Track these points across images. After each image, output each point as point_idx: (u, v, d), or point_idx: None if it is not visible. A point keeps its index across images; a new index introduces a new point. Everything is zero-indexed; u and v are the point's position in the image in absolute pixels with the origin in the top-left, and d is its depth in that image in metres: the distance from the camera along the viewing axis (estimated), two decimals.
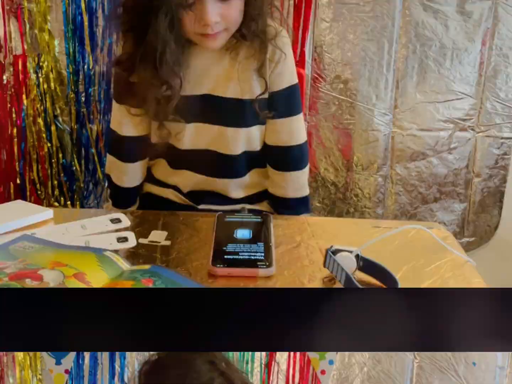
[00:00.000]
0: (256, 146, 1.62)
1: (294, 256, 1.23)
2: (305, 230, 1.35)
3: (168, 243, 1.26)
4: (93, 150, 2.34)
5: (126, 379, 1.95)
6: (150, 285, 1.03)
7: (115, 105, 1.62)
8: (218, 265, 1.14)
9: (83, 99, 2.29)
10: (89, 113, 2.31)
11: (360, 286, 1.06)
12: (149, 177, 1.71)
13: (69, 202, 2.42)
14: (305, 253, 1.25)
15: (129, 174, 1.68)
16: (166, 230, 1.32)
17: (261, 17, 1.47)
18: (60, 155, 2.35)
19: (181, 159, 1.61)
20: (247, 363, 1.94)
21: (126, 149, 1.66)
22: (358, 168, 2.41)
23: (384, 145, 2.38)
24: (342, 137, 2.39)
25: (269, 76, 1.53)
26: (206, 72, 1.53)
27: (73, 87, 2.26)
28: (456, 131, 2.37)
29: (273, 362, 1.97)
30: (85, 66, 2.24)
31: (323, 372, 1.88)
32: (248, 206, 1.61)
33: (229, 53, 1.51)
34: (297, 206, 1.66)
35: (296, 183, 1.65)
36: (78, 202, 2.43)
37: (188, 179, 1.63)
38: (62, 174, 2.38)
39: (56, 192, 2.40)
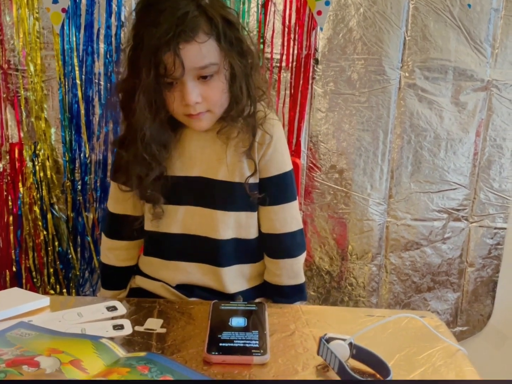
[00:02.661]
0: (247, 235, 1.62)
1: (288, 344, 1.24)
2: (300, 318, 1.36)
3: (163, 330, 1.27)
4: (89, 238, 2.36)
5: (123, 18, 1.93)
6: (146, 372, 1.04)
7: (111, 182, 1.69)
8: (213, 353, 1.15)
9: (79, 187, 2.33)
10: (85, 201, 2.35)
11: (353, 374, 1.06)
12: (139, 271, 1.72)
13: (64, 290, 2.43)
14: (299, 341, 1.25)
15: (112, 251, 1.72)
16: (161, 317, 1.32)
17: (248, 100, 1.49)
18: (56, 243, 2.37)
19: (171, 247, 1.62)
20: (243, 3, 1.93)
21: (112, 226, 1.71)
22: (353, 257, 2.44)
23: (379, 234, 2.41)
24: (337, 226, 2.42)
25: (259, 160, 1.54)
26: (199, 154, 1.56)
27: (69, 175, 2.30)
28: (450, 221, 2.41)
29: (269, 2, 1.96)
30: (82, 155, 2.27)
31: (319, 12, 1.87)
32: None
33: (220, 137, 1.52)
34: (292, 293, 1.66)
35: (290, 271, 1.65)
36: (73, 290, 2.44)
37: (178, 271, 1.63)
38: (58, 262, 2.39)
39: (52, 279, 2.41)
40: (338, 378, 1.10)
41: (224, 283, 1.61)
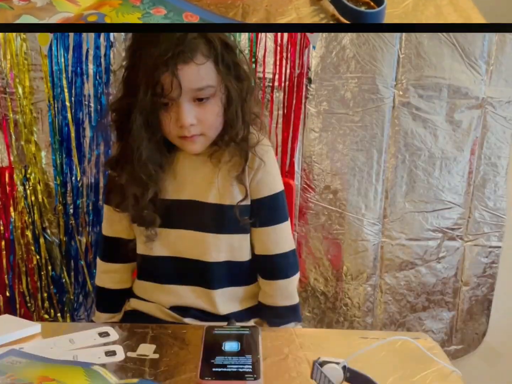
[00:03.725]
0: (241, 257, 1.61)
1: (282, 368, 1.23)
2: (293, 341, 1.35)
3: (156, 356, 1.26)
4: (82, 262, 2.34)
5: (112, 38, 2.05)
6: None
7: (104, 205, 1.69)
8: (206, 378, 1.13)
9: (71, 211, 2.30)
10: (78, 225, 2.32)
11: None
12: (133, 294, 1.72)
13: (59, 314, 2.41)
14: (292, 365, 1.24)
15: (107, 273, 1.72)
16: (154, 343, 1.31)
17: (242, 125, 1.50)
18: (49, 267, 2.34)
19: (164, 270, 1.62)
20: None
21: (106, 248, 1.72)
22: (348, 277, 2.41)
23: (373, 254, 2.39)
24: (331, 247, 2.39)
25: (249, 183, 1.54)
26: (190, 177, 1.56)
27: (61, 199, 2.28)
28: (445, 240, 2.39)
29: None
30: (73, 178, 2.25)
31: None
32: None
33: (211, 160, 1.53)
34: (287, 314, 1.64)
35: (285, 292, 1.64)
36: (68, 314, 2.42)
37: (170, 294, 1.62)
38: (51, 287, 2.37)
39: (46, 304, 2.38)
40: None
41: (217, 305, 1.60)
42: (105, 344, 1.31)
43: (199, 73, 1.39)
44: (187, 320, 1.60)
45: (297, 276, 1.66)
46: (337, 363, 1.14)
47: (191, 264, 1.59)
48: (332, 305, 2.45)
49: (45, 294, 2.38)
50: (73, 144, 2.21)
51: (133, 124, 1.42)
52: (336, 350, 1.29)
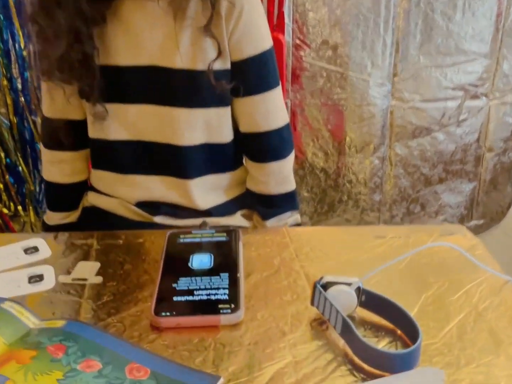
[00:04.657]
0: (221, 137, 1.35)
1: (271, 288, 0.94)
2: (286, 247, 1.06)
3: (99, 280, 0.96)
4: (40, 146, 2.08)
5: None
6: (60, 356, 0.74)
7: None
8: (164, 314, 0.85)
9: (19, 86, 2.08)
10: (29, 102, 2.10)
11: (360, 336, 0.76)
12: (92, 187, 1.47)
13: (20, 207, 2.23)
14: (286, 283, 0.95)
15: (55, 164, 1.47)
16: (99, 259, 1.02)
17: None
18: (2, 154, 2.14)
19: (124, 157, 1.35)
20: None
21: (49, 133, 1.46)
22: (351, 150, 2.25)
23: (382, 121, 2.21)
24: (332, 115, 2.22)
25: (228, 38, 1.25)
26: (147, 34, 1.26)
27: (4, 72, 2.05)
28: (467, 99, 2.20)
29: None
30: (16, 45, 2.01)
31: None
32: (214, 220, 1.34)
33: (173, 10, 1.22)
34: (282, 203, 1.42)
35: (279, 176, 1.40)
36: (30, 207, 2.25)
37: (135, 186, 1.37)
38: (7, 176, 2.18)
39: (4, 196, 2.21)
40: (341, 340, 0.80)
41: (194, 198, 1.35)
42: (31, 265, 1.02)
43: None
44: (157, 218, 1.36)
45: (292, 156, 1.42)
46: (349, 284, 0.84)
47: (159, 149, 1.33)
48: (333, 183, 2.31)
49: (1, 185, 2.20)
50: (11, 2, 1.95)
51: None
52: (344, 257, 1.03)
